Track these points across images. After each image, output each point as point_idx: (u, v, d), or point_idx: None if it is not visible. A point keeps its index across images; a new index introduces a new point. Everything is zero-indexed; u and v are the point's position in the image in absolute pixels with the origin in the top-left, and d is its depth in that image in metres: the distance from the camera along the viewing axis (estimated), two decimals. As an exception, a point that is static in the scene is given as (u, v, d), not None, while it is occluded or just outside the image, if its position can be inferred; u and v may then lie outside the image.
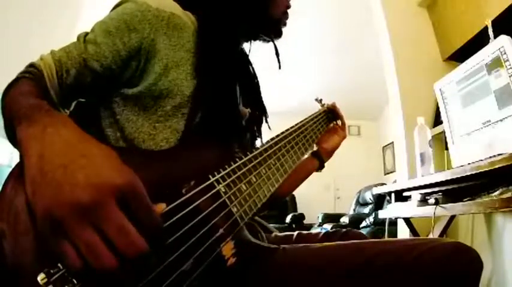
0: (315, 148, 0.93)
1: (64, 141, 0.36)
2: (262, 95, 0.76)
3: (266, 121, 0.76)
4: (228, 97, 0.63)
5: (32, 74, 0.53)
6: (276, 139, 0.67)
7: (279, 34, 0.78)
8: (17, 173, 0.41)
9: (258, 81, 0.75)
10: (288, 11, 0.79)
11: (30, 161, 0.35)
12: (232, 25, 0.68)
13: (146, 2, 0.58)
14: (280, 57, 0.80)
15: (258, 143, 0.74)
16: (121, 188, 0.33)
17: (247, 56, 0.74)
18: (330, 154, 0.95)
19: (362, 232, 0.92)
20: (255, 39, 0.78)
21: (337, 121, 1.00)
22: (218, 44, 0.64)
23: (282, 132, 0.70)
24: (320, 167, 0.93)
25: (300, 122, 0.80)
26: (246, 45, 0.78)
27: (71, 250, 0.32)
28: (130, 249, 0.33)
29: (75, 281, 0.33)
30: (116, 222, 0.32)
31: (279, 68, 0.78)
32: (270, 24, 0.76)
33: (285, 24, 0.79)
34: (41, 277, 0.33)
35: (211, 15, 0.67)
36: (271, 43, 0.79)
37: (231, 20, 0.68)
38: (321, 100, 1.01)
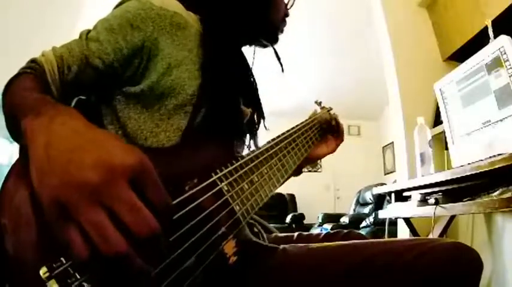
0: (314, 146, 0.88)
1: (71, 129, 0.36)
2: (261, 95, 0.76)
3: (263, 120, 0.76)
4: (231, 96, 0.63)
5: (33, 69, 0.53)
6: (277, 139, 0.67)
7: (275, 40, 0.80)
8: (18, 168, 0.41)
9: (256, 83, 0.75)
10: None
11: (36, 150, 0.35)
12: (234, 26, 0.69)
13: (149, 1, 0.59)
14: (281, 60, 0.81)
15: (257, 143, 0.74)
16: (131, 168, 0.33)
17: (245, 57, 0.75)
18: (311, 161, 0.88)
19: (362, 232, 0.91)
20: (251, 44, 0.79)
21: (334, 134, 0.92)
22: (222, 44, 0.64)
23: (283, 133, 0.70)
24: (297, 174, 0.86)
25: (301, 123, 0.80)
26: (247, 49, 0.79)
27: (79, 237, 0.31)
28: (143, 227, 0.32)
29: (77, 275, 0.33)
30: (128, 200, 0.32)
31: (282, 71, 0.79)
32: (269, 29, 0.78)
33: (282, 31, 0.80)
34: (43, 271, 0.32)
35: (214, 16, 0.67)
36: (267, 47, 0.80)
37: (233, 22, 0.69)
38: (320, 103, 1.00)
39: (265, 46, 0.80)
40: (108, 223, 0.31)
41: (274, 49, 0.80)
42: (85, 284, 0.34)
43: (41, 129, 0.37)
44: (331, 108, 0.98)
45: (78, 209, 0.31)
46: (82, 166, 0.32)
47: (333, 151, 0.91)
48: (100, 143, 0.35)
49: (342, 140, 0.93)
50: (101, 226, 0.31)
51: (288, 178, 0.84)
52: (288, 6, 0.80)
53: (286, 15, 0.80)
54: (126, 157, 0.33)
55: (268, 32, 0.78)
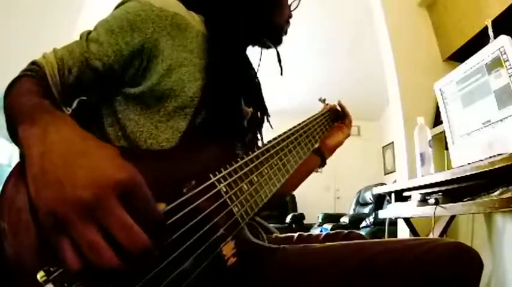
0: (317, 145, 0.92)
1: (65, 140, 0.37)
2: (264, 95, 0.76)
3: (268, 121, 0.76)
4: (233, 98, 0.63)
5: (34, 72, 0.53)
6: (278, 139, 0.67)
7: (279, 42, 0.80)
8: (18, 172, 0.41)
9: (259, 82, 0.75)
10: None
11: (32, 160, 0.35)
12: (239, 28, 0.69)
13: (149, 2, 0.58)
14: (282, 62, 0.81)
15: (259, 143, 0.74)
16: (122, 183, 0.34)
17: (248, 57, 0.75)
18: (332, 150, 0.93)
19: (362, 232, 0.92)
20: (254, 45, 0.79)
21: (343, 120, 0.99)
22: (227, 47, 0.64)
23: (285, 132, 0.70)
24: (322, 164, 0.92)
25: (303, 121, 0.79)
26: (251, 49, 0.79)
27: (71, 250, 0.32)
28: (134, 244, 0.33)
29: (74, 279, 0.34)
30: (118, 218, 0.33)
31: (281, 74, 0.79)
32: (274, 31, 0.78)
33: (286, 33, 0.80)
34: (40, 275, 0.33)
35: (219, 17, 0.67)
36: (270, 49, 0.80)
37: (238, 23, 0.69)
38: (324, 100, 1.00)
39: (268, 47, 0.80)
40: (100, 240, 0.32)
41: (277, 51, 0.80)
42: None
43: (36, 138, 0.37)
44: (335, 106, 0.99)
45: (71, 225, 0.32)
46: (75, 183, 0.32)
47: (348, 135, 0.97)
48: (93, 157, 0.35)
49: (351, 122, 0.99)
50: (93, 242, 0.32)
51: (311, 171, 0.89)
52: (292, 8, 0.80)
53: (290, 16, 0.80)
54: (117, 173, 0.34)
55: (272, 33, 0.78)
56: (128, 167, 0.35)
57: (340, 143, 0.95)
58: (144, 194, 0.35)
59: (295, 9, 0.81)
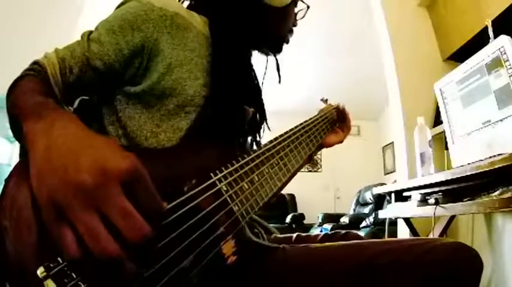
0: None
1: (71, 134, 0.37)
2: (264, 96, 0.76)
3: (266, 122, 0.76)
4: (236, 98, 0.63)
5: (36, 71, 0.54)
6: (279, 139, 0.67)
7: (279, 50, 0.80)
8: (19, 171, 0.42)
9: (258, 83, 0.75)
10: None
11: (37, 153, 0.36)
12: (243, 35, 0.69)
13: (150, 2, 0.59)
14: (280, 70, 0.81)
15: (259, 142, 0.74)
16: (125, 172, 0.34)
17: (250, 59, 0.75)
18: (319, 148, 0.91)
19: (362, 232, 0.91)
20: (254, 49, 0.79)
21: (342, 124, 0.97)
22: (232, 49, 0.65)
23: (286, 132, 0.70)
24: (308, 161, 0.88)
25: (305, 121, 0.79)
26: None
27: (71, 236, 0.32)
28: (134, 231, 0.33)
29: (74, 275, 0.34)
30: (120, 205, 0.33)
31: (279, 82, 0.78)
32: (275, 40, 0.78)
33: (287, 42, 0.80)
34: (40, 271, 0.33)
35: (223, 20, 0.67)
36: (269, 55, 0.80)
37: (242, 31, 0.69)
38: (326, 100, 1.00)
39: (267, 54, 0.80)
40: (100, 226, 0.32)
41: (276, 59, 0.80)
42: (81, 283, 0.34)
43: (42, 133, 0.38)
44: (337, 106, 0.99)
45: (72, 209, 0.32)
46: (79, 168, 0.33)
47: (342, 140, 0.94)
48: (98, 148, 0.35)
49: (349, 129, 0.97)
50: (92, 228, 0.32)
51: (301, 167, 0.86)
52: (298, 18, 0.80)
53: (294, 25, 0.80)
54: (121, 162, 0.34)
55: (273, 43, 0.78)
56: (132, 157, 0.35)
57: (331, 145, 0.93)
58: (147, 185, 0.35)
59: (302, 18, 0.80)
